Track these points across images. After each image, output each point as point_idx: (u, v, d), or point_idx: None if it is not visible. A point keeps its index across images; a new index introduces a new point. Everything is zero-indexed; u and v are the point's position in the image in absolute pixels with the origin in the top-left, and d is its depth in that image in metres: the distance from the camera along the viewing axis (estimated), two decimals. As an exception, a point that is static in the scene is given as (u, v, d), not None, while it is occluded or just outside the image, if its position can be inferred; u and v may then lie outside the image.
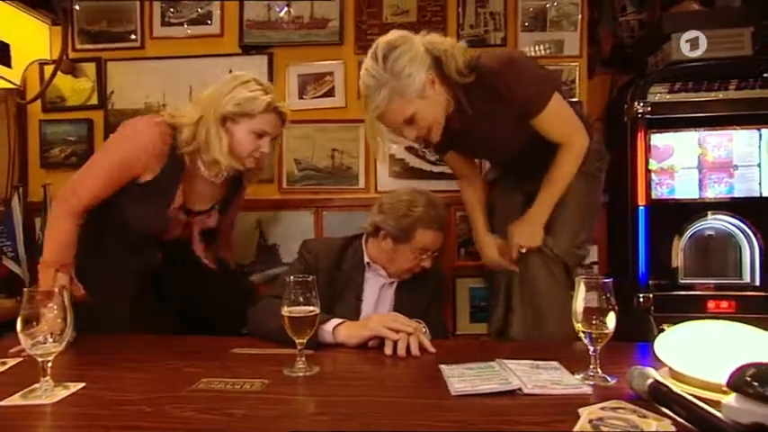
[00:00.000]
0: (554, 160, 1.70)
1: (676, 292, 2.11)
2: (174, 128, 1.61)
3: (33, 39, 2.54)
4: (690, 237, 2.14)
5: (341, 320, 1.42)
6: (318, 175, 2.47)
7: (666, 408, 0.90)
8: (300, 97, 2.49)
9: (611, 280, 1.13)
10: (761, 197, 2.14)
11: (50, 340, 1.07)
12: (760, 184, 2.16)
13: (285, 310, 1.19)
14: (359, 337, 1.38)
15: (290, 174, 2.49)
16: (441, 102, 1.58)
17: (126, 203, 1.62)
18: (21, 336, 1.05)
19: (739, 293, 2.12)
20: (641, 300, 2.10)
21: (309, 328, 1.20)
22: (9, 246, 2.35)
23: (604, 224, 2.39)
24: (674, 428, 0.85)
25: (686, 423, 0.84)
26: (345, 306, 1.70)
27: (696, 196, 2.17)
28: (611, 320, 1.11)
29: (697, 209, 2.15)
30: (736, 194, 2.17)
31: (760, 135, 2.16)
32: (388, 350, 1.33)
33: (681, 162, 2.17)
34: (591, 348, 1.11)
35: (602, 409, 0.93)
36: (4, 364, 1.27)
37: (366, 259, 1.80)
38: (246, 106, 1.58)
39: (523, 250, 1.74)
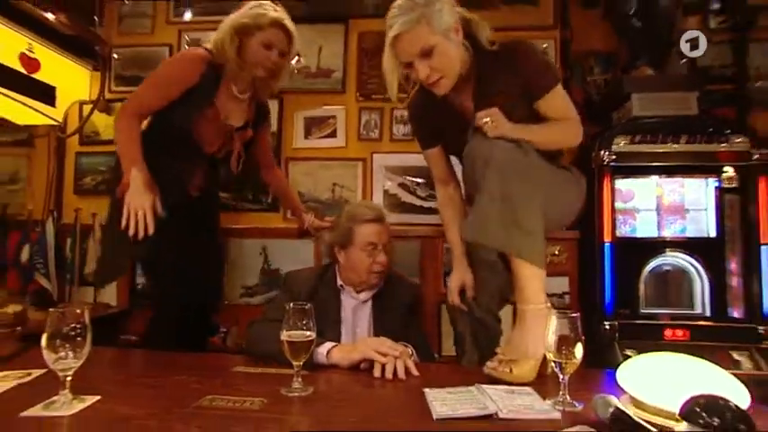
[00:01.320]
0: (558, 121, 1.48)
1: (638, 321, 2.09)
2: (210, 51, 1.73)
3: (76, 82, 2.56)
4: (650, 271, 2.13)
5: (334, 344, 1.39)
6: (320, 206, 2.46)
7: (627, 432, 0.87)
8: (306, 137, 2.52)
9: (578, 314, 1.11)
10: (708, 237, 2.15)
11: (71, 356, 1.03)
12: (707, 225, 2.17)
13: (285, 335, 1.16)
14: (350, 360, 1.34)
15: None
16: (459, 52, 1.42)
17: (177, 107, 1.71)
18: (44, 351, 1.02)
19: (692, 323, 2.10)
20: (607, 327, 2.07)
21: (306, 352, 1.17)
22: (41, 263, 2.31)
23: (575, 258, 2.38)
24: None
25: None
26: (325, 329, 1.57)
27: (655, 235, 2.18)
28: (578, 351, 1.08)
29: (656, 246, 2.15)
30: (689, 234, 2.18)
31: (706, 183, 2.18)
32: (376, 372, 1.29)
33: (641, 204, 2.18)
34: (560, 376, 1.09)
35: (570, 434, 0.90)
36: (29, 374, 1.23)
37: (339, 282, 1.72)
38: (257, 20, 1.68)
39: (485, 120, 1.35)
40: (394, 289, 1.72)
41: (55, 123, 2.47)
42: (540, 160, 1.38)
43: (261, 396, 1.11)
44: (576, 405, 1.06)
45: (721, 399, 0.86)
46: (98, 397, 1.08)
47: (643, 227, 2.17)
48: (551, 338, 1.09)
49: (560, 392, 1.08)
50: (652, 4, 2.28)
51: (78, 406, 1.03)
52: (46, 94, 2.31)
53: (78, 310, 1.08)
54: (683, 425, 0.82)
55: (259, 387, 1.18)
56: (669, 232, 2.18)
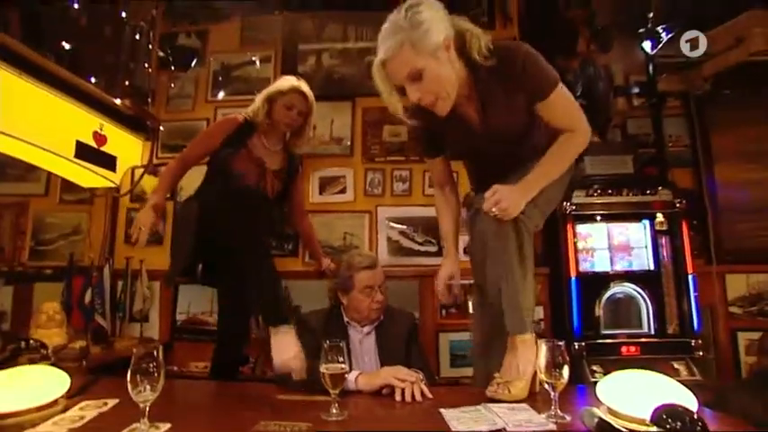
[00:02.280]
0: (557, 141, 1.28)
1: (600, 341, 2.13)
2: (245, 117, 1.90)
3: (131, 150, 2.61)
4: (606, 298, 2.19)
5: (358, 372, 1.41)
6: (334, 251, 2.49)
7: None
8: (320, 194, 2.57)
9: (563, 342, 1.15)
10: (649, 270, 2.23)
11: (149, 389, 1.04)
12: (647, 260, 2.25)
13: (323, 368, 1.17)
14: (372, 386, 1.35)
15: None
16: (451, 70, 1.19)
17: (222, 151, 1.84)
18: (129, 385, 1.02)
19: (641, 340, 2.15)
20: (576, 347, 2.10)
21: (341, 382, 1.18)
22: (99, 304, 2.29)
23: (547, 290, 2.44)
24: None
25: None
26: None
27: (608, 269, 2.25)
28: (565, 372, 1.12)
29: (610, 278, 2.22)
30: (634, 268, 2.25)
31: (644, 226, 2.28)
32: (398, 397, 1.30)
33: (597, 244, 2.26)
34: (552, 393, 1.12)
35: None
36: (106, 404, 1.21)
37: (346, 319, 1.73)
38: (280, 87, 1.87)
39: (494, 211, 1.20)
40: (393, 320, 1.74)
41: (113, 186, 2.49)
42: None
43: (306, 421, 1.11)
44: (566, 417, 1.09)
45: (680, 407, 0.92)
46: (169, 425, 1.07)
47: (599, 263, 2.25)
48: (543, 362, 1.13)
49: (552, 407, 1.11)
50: (592, 88, 2.46)
51: (155, 433, 1.02)
52: (109, 162, 2.35)
53: (155, 351, 1.08)
54: (654, 429, 0.87)
55: (302, 413, 1.18)
56: (619, 266, 2.25)
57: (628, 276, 2.22)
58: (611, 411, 1.06)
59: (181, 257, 1.72)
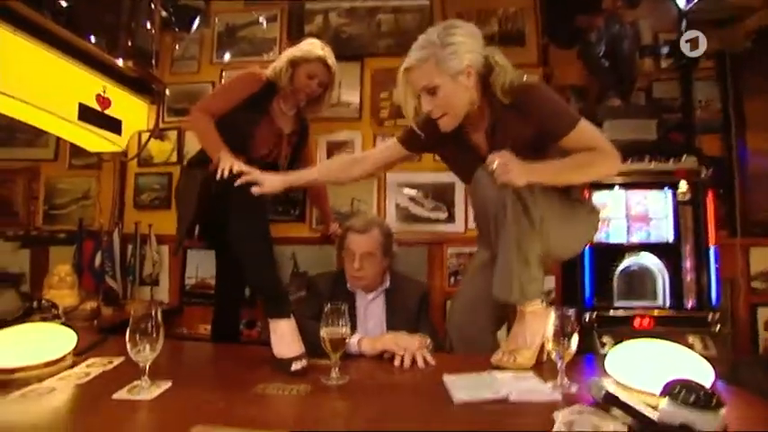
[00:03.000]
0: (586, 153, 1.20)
1: (612, 313, 2.09)
2: (268, 77, 1.79)
3: (137, 114, 2.57)
4: (621, 270, 2.13)
5: (361, 336, 1.39)
6: (340, 217, 2.44)
7: (618, 410, 0.88)
8: (328, 158, 2.51)
9: (573, 310, 1.11)
10: (667, 241, 2.15)
11: (148, 348, 1.04)
12: (667, 231, 2.17)
13: (324, 332, 1.15)
14: (374, 349, 1.35)
15: (317, 217, 2.48)
16: (465, 94, 1.24)
17: (240, 114, 1.74)
18: (128, 344, 1.02)
19: (656, 313, 2.10)
20: (587, 318, 2.06)
21: (342, 346, 1.16)
22: (110, 267, 2.32)
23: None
24: (625, 428, 0.83)
25: (633, 424, 0.84)
26: None
27: (624, 240, 2.17)
28: (574, 341, 1.09)
29: (625, 249, 2.15)
30: (652, 239, 2.18)
31: (665, 195, 2.19)
32: (396, 362, 1.28)
33: (613, 214, 2.18)
34: (558, 363, 1.09)
35: (571, 413, 0.90)
36: (111, 362, 1.23)
37: (348, 284, 1.67)
38: (306, 55, 1.75)
39: (494, 165, 1.14)
40: (402, 289, 1.69)
41: (119, 150, 2.48)
42: (546, 198, 1.23)
43: (307, 383, 1.11)
44: (573, 388, 1.06)
45: (694, 382, 0.88)
46: (170, 383, 1.08)
47: (615, 233, 2.17)
48: (551, 331, 1.09)
49: (558, 377, 1.08)
50: (616, 48, 2.30)
51: (156, 391, 1.03)
52: (114, 126, 2.32)
53: (152, 311, 1.07)
54: (665, 403, 0.83)
55: (302, 377, 1.17)
56: (636, 237, 2.18)
57: (644, 248, 2.15)
58: (620, 384, 1.03)
59: (184, 228, 1.69)
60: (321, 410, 0.98)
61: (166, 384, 1.07)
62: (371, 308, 1.66)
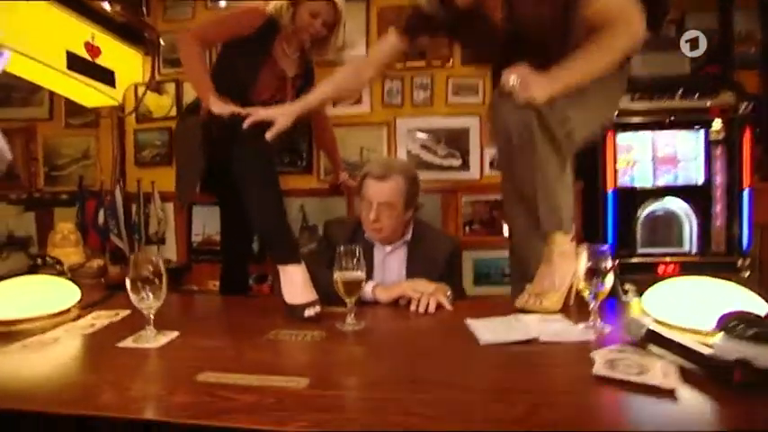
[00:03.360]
0: (599, 32, 1.04)
1: (635, 260, 2.01)
2: (270, 14, 1.64)
3: (131, 66, 2.44)
4: (645, 216, 2.03)
5: (375, 282, 1.32)
6: (349, 167, 2.33)
7: (663, 349, 0.80)
8: (334, 105, 2.36)
9: (608, 246, 1.02)
10: (697, 184, 2.04)
11: (152, 296, 0.98)
12: (696, 173, 2.06)
13: (338, 275, 1.08)
14: (389, 296, 1.28)
15: (326, 167, 2.38)
16: None
17: (240, 58, 1.61)
18: (129, 292, 0.96)
19: (681, 259, 2.02)
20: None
21: (357, 290, 1.09)
22: (114, 225, 2.26)
23: (579, 206, 2.25)
24: (673, 366, 0.75)
25: (682, 361, 0.76)
26: None
27: (650, 184, 2.06)
28: (608, 280, 1.00)
29: (650, 194, 2.04)
30: (680, 182, 2.06)
31: (696, 135, 2.05)
32: (412, 307, 1.21)
33: (638, 156, 2.06)
34: (591, 303, 1.01)
35: (610, 351, 0.83)
36: (117, 315, 1.18)
37: (366, 234, 1.52)
38: None
39: (511, 82, 1.02)
40: (428, 243, 1.54)
41: (116, 104, 2.37)
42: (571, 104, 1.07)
43: (320, 330, 1.05)
44: (606, 328, 0.99)
45: (753, 315, 0.79)
46: (177, 333, 1.02)
47: (640, 176, 2.06)
48: (583, 269, 1.01)
49: (590, 318, 1.01)
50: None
51: (162, 339, 0.98)
52: (107, 77, 2.20)
53: (153, 258, 1.01)
54: (719, 336, 0.75)
55: (317, 323, 1.11)
56: (662, 181, 2.06)
57: (671, 191, 2.05)
58: (659, 322, 0.95)
59: (189, 181, 1.60)
60: (337, 355, 0.92)
61: (173, 334, 1.01)
62: (389, 261, 1.54)
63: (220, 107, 1.36)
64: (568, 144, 1.11)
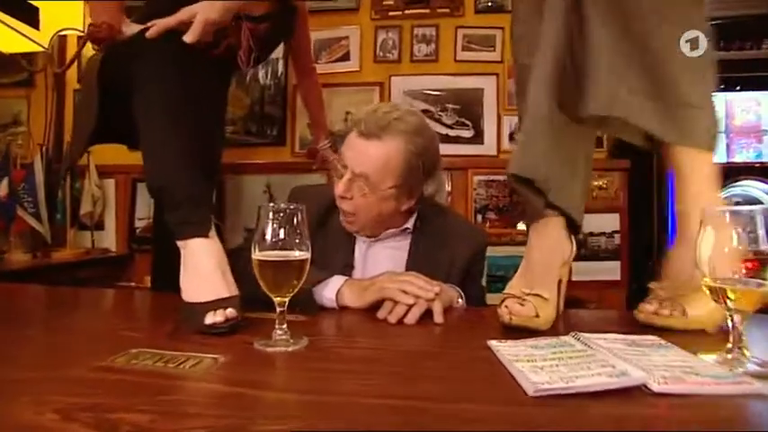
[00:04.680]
0: None
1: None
2: None
3: (63, 8, 1.99)
4: (719, 201, 1.54)
5: (343, 280, 0.83)
6: (332, 138, 1.88)
7: None
8: (315, 62, 1.89)
9: (766, 207, 0.54)
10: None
11: None
12: (787, 150, 1.59)
13: (258, 254, 0.61)
14: (364, 301, 0.80)
15: (303, 138, 1.91)
16: None
17: None
18: None
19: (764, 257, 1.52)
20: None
21: (296, 280, 0.62)
22: (30, 203, 1.80)
23: (625, 192, 1.75)
24: None
25: None
26: (334, 273, 0.89)
27: (724, 161, 1.58)
28: (774, 272, 0.52)
29: (725, 174, 1.55)
30: (765, 159, 1.58)
31: (787, 98, 1.58)
32: (392, 318, 0.73)
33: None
34: (735, 316, 0.52)
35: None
36: None
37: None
38: None
39: None
40: (444, 234, 1.01)
41: (42, 50, 1.92)
42: None
43: (219, 352, 0.57)
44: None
45: None
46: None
47: (712, 150, 1.58)
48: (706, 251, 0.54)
49: (730, 341, 0.52)
50: None
51: None
52: (28, 14, 1.75)
53: None
54: None
55: (225, 337, 0.64)
56: (741, 157, 1.59)
57: (752, 171, 1.57)
58: None
59: (79, 131, 1.13)
60: (210, 411, 0.43)
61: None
62: (375, 256, 1.00)
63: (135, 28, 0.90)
64: None
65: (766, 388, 0.44)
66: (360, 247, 1.00)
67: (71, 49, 2.14)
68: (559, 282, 0.74)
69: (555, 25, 0.69)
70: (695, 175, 0.70)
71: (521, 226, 1.73)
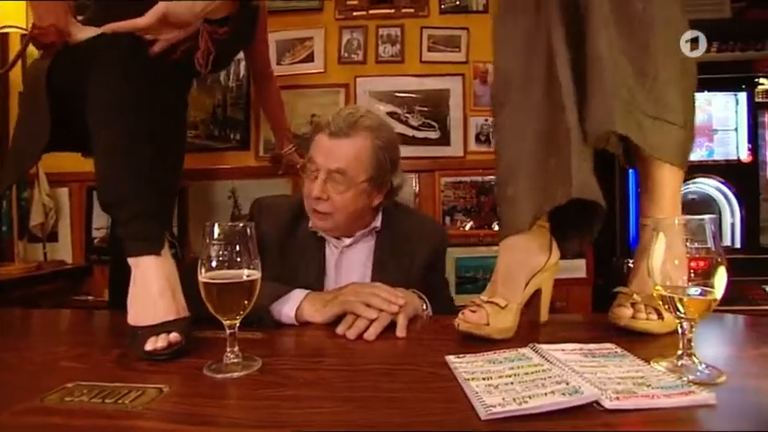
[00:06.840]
0: None
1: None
2: None
3: (7, 5, 1.86)
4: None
5: (304, 294, 0.81)
6: (297, 141, 1.83)
7: None
8: (278, 63, 1.85)
9: (715, 217, 0.55)
10: (739, 161, 1.64)
11: None
12: (737, 148, 1.66)
13: (204, 276, 0.58)
14: (324, 315, 0.78)
15: (267, 141, 1.85)
16: None
17: None
18: None
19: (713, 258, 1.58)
20: (625, 267, 1.55)
21: (246, 302, 0.59)
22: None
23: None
24: None
25: None
26: (303, 285, 0.87)
27: (678, 160, 1.63)
28: (719, 279, 0.53)
29: (680, 172, 1.61)
30: (717, 158, 1.65)
31: (736, 99, 1.66)
32: (351, 334, 0.71)
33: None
34: (683, 324, 0.53)
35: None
36: None
37: (312, 222, 1.00)
38: None
39: None
40: (406, 231, 1.03)
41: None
42: None
43: (165, 380, 0.54)
44: (718, 374, 0.51)
45: None
46: None
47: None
48: (657, 261, 0.55)
49: (680, 350, 0.53)
50: None
51: None
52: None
53: None
54: None
55: (173, 363, 0.60)
56: (695, 156, 1.63)
57: (705, 169, 1.64)
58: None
59: (33, 148, 1.05)
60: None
61: None
62: (349, 260, 1.00)
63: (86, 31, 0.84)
64: None
65: (712, 397, 0.45)
66: (332, 252, 0.99)
67: (14, 48, 2.01)
68: (538, 291, 0.74)
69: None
70: (666, 190, 0.73)
71: (496, 227, 1.75)
